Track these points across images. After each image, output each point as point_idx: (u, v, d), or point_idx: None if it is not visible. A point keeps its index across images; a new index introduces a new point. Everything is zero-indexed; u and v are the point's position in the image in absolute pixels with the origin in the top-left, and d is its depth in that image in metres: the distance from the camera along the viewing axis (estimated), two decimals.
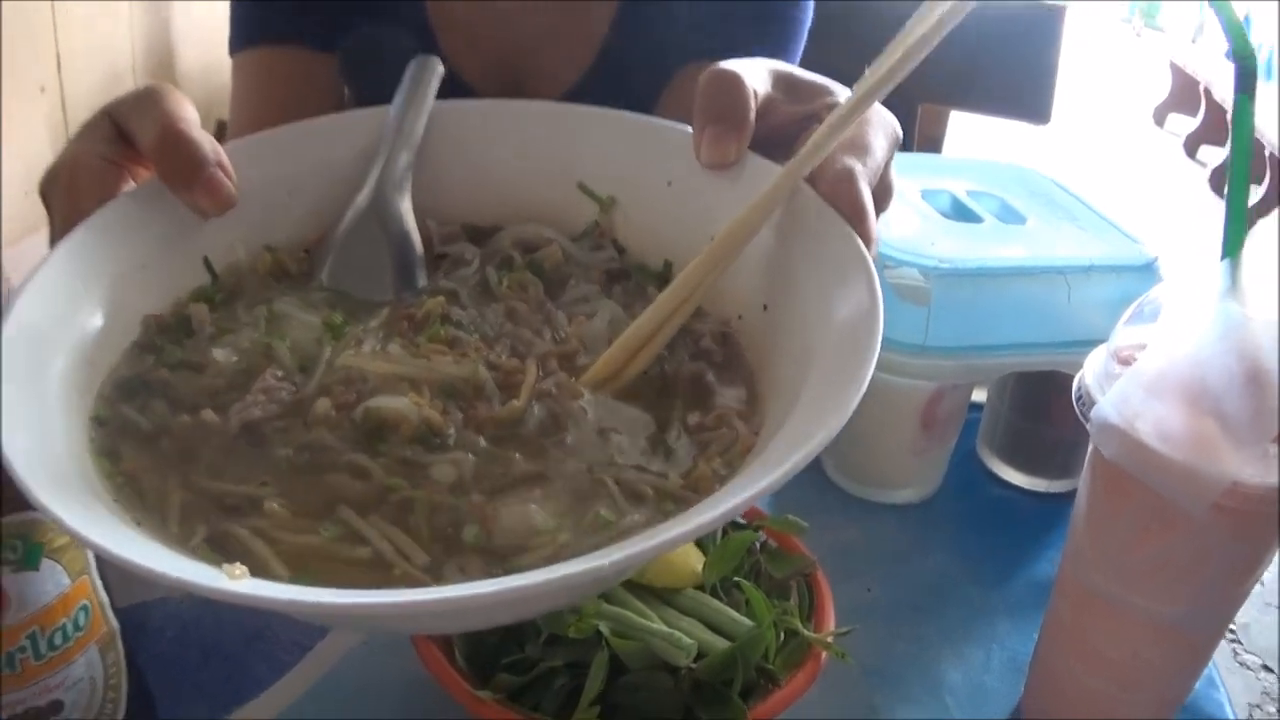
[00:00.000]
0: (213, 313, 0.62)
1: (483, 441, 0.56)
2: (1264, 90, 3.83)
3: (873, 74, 0.60)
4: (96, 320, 0.58)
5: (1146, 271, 0.87)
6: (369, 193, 0.67)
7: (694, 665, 0.60)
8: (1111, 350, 0.66)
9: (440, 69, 0.72)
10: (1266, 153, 3.83)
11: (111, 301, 0.59)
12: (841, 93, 0.65)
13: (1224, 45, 3.96)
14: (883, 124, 0.63)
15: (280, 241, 0.67)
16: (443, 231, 0.70)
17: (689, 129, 0.65)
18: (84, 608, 0.55)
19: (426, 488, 0.53)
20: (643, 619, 0.61)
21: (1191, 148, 4.30)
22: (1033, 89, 1.54)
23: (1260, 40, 3.98)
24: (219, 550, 0.51)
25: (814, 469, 0.87)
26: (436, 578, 0.50)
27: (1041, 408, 0.93)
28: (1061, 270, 0.85)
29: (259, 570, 0.49)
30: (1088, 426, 0.64)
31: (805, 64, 0.70)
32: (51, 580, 0.53)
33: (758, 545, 0.69)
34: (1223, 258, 0.64)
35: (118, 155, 0.61)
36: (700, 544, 0.68)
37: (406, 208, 0.67)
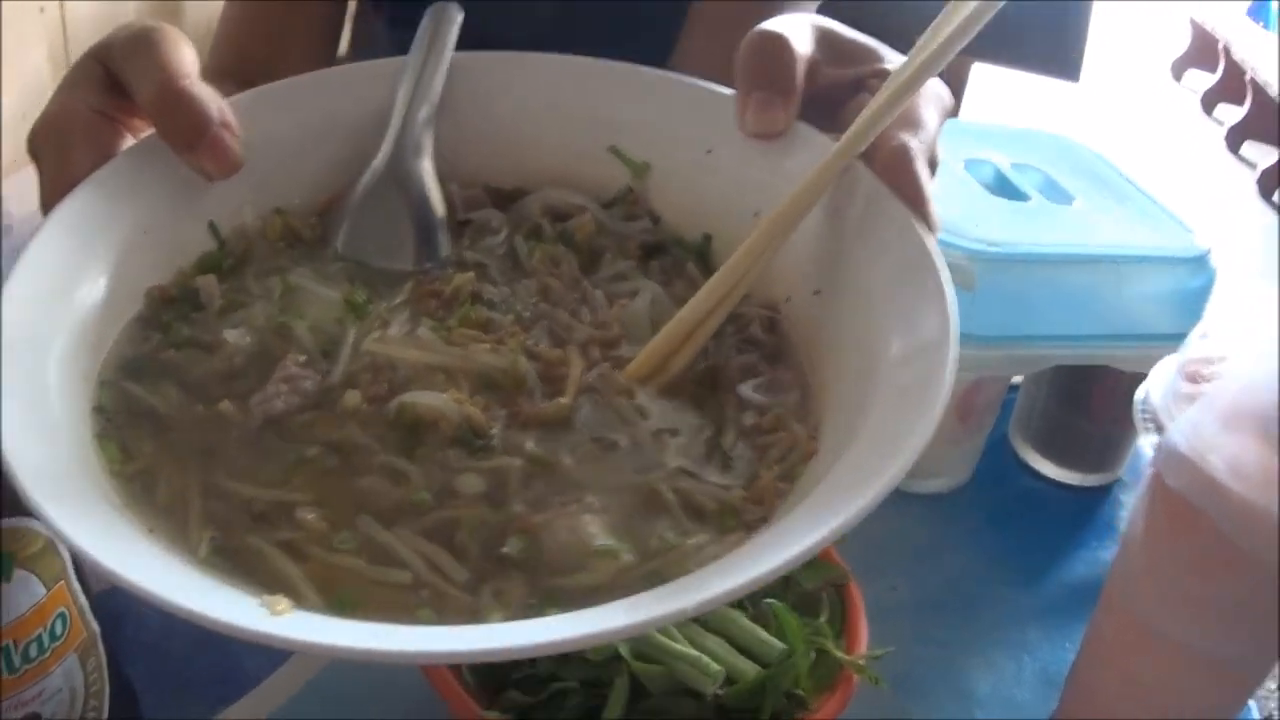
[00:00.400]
0: (220, 283, 0.58)
1: (530, 444, 0.51)
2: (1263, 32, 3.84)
3: (932, 38, 0.55)
4: (97, 294, 0.53)
5: (1199, 265, 0.83)
6: (386, 153, 0.62)
7: (720, 691, 0.56)
8: (1180, 365, 0.61)
9: (459, 16, 0.66)
10: (1247, 78, 3.83)
11: (112, 273, 0.54)
12: (892, 57, 0.60)
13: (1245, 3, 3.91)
14: (935, 95, 0.58)
15: (291, 203, 0.62)
16: (465, 195, 0.64)
17: (731, 92, 0.60)
18: (61, 615, 0.51)
19: (468, 501, 0.49)
20: (667, 638, 0.57)
21: (1209, 105, 4.23)
22: (1064, 45, 1.49)
23: None
24: (240, 567, 0.46)
25: None
26: (474, 595, 0.46)
27: (1081, 399, 0.88)
28: (1114, 260, 0.80)
29: (289, 594, 0.45)
30: (1151, 449, 0.59)
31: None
32: (25, 591, 0.48)
33: None
34: None
35: (111, 107, 0.56)
36: None
37: (428, 169, 0.62)
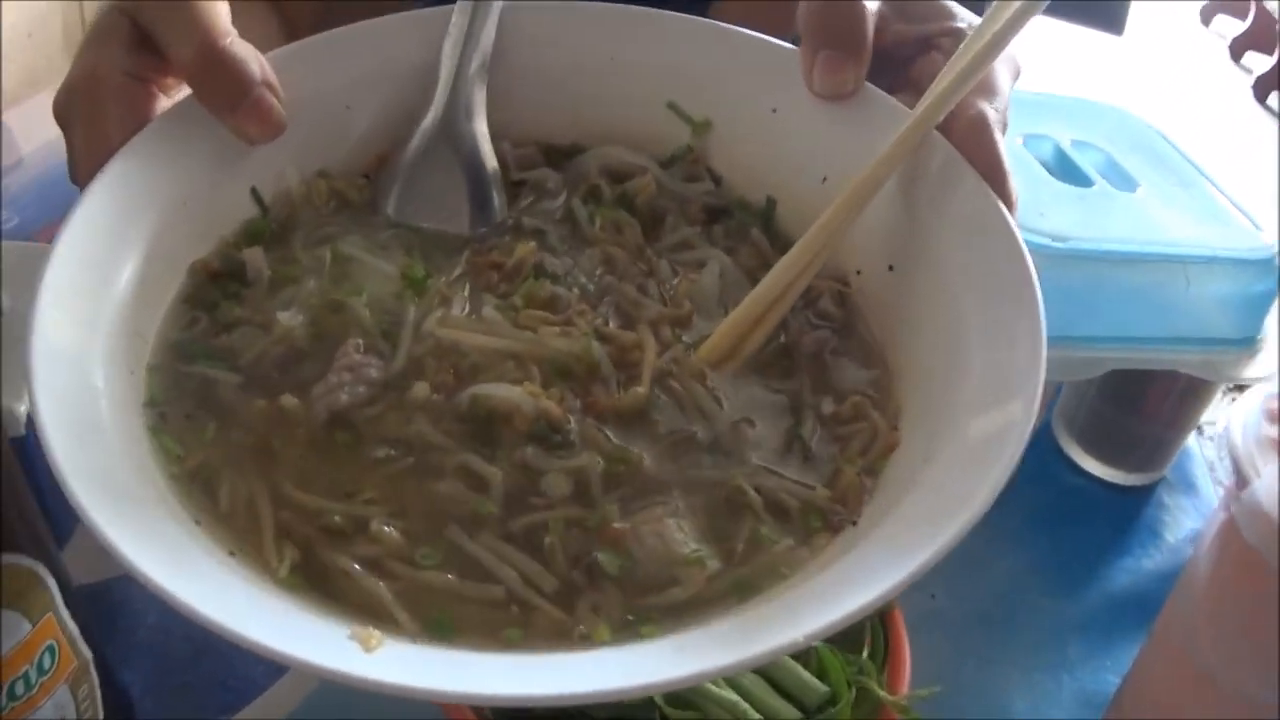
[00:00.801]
0: (266, 253, 0.55)
1: (609, 438, 0.48)
2: None
3: None
4: (138, 278, 0.50)
5: (1265, 267, 0.78)
6: (437, 111, 0.58)
7: None
8: (1264, 404, 0.56)
9: None
10: (1278, 27, 3.74)
11: (152, 251, 0.51)
12: (964, 14, 0.57)
13: None
14: (1008, 56, 0.55)
15: (336, 165, 0.59)
16: (517, 154, 0.61)
17: (797, 49, 0.57)
18: (49, 648, 0.46)
19: (553, 504, 0.46)
20: None
21: (1237, 52, 4.13)
22: None
23: None
24: (321, 589, 0.43)
25: None
26: (567, 610, 0.44)
27: (1135, 399, 0.83)
28: (1183, 260, 0.75)
29: (378, 619, 0.42)
30: (1226, 496, 0.55)
31: None
32: (9, 630, 0.44)
33: None
34: None
35: (143, 68, 0.53)
36: None
37: (481, 127, 0.59)
